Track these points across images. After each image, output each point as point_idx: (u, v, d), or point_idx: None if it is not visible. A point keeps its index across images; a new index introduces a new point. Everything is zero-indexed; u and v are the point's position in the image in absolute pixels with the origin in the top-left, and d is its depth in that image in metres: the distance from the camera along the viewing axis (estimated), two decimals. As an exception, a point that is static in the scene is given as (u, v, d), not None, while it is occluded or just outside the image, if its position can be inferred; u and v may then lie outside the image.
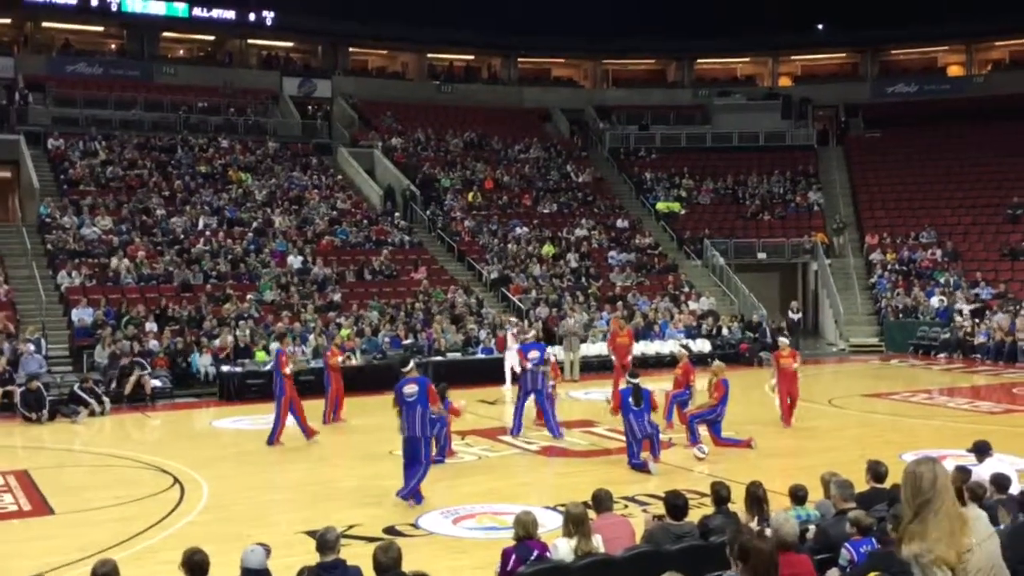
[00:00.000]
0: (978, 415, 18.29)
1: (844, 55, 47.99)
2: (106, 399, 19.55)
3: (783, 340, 18.60)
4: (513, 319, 25.35)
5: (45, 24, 39.87)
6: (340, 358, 19.10)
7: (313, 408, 18.77)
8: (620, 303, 28.61)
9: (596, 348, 25.33)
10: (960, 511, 4.43)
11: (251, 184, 32.96)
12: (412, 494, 11.52)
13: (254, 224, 30.24)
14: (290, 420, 15.88)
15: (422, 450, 11.70)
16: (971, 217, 35.20)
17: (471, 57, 47.87)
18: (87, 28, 41.03)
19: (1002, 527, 6.90)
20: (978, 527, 4.75)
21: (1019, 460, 11.53)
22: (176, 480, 13.11)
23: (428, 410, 11.74)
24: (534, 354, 16.04)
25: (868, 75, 46.11)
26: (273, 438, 15.68)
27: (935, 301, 29.99)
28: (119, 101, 36.58)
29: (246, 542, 6.90)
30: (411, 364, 12.63)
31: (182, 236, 28.60)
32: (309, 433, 15.92)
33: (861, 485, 8.51)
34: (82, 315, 23.46)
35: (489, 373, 22.65)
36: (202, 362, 22.49)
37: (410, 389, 11.80)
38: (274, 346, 19.94)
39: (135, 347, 22.00)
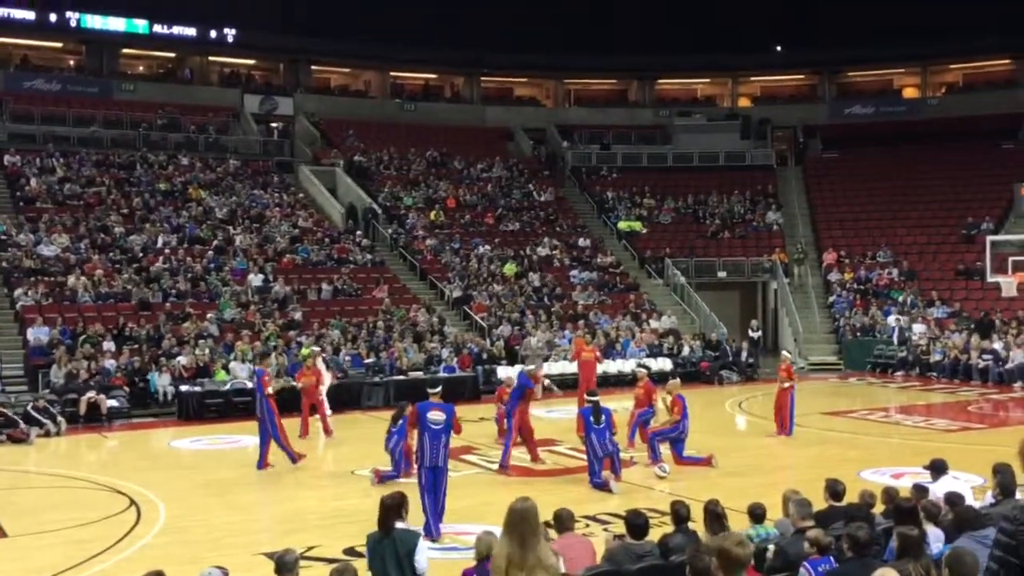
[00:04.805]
0: (934, 432, 18.51)
1: (802, 77, 48.61)
2: (61, 419, 19.27)
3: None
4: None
5: (2, 40, 39.33)
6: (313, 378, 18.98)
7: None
8: (582, 322, 28.68)
9: (558, 367, 25.29)
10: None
11: (211, 202, 32.73)
12: (433, 528, 11.11)
13: (214, 242, 30.00)
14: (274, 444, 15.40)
15: (444, 481, 11.23)
16: (926, 237, 35.73)
17: (434, 76, 47.97)
18: (45, 44, 40.64)
19: None
20: None
21: (974, 477, 11.68)
22: (132, 502, 12.91)
23: (450, 439, 11.30)
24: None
25: (826, 96, 46.73)
26: (262, 463, 15.12)
27: (892, 320, 30.37)
28: (77, 118, 36.23)
29: (203, 565, 6.81)
30: (439, 388, 11.98)
31: (141, 254, 28.29)
32: (296, 457, 15.35)
33: (820, 503, 8.57)
34: (38, 334, 23.11)
35: (452, 392, 22.56)
36: (161, 382, 22.23)
37: (436, 416, 11.22)
38: (248, 367, 19.63)
39: (92, 367, 21.71)
